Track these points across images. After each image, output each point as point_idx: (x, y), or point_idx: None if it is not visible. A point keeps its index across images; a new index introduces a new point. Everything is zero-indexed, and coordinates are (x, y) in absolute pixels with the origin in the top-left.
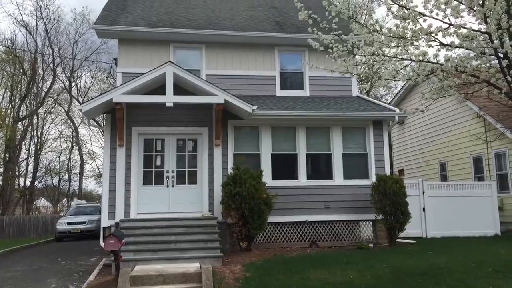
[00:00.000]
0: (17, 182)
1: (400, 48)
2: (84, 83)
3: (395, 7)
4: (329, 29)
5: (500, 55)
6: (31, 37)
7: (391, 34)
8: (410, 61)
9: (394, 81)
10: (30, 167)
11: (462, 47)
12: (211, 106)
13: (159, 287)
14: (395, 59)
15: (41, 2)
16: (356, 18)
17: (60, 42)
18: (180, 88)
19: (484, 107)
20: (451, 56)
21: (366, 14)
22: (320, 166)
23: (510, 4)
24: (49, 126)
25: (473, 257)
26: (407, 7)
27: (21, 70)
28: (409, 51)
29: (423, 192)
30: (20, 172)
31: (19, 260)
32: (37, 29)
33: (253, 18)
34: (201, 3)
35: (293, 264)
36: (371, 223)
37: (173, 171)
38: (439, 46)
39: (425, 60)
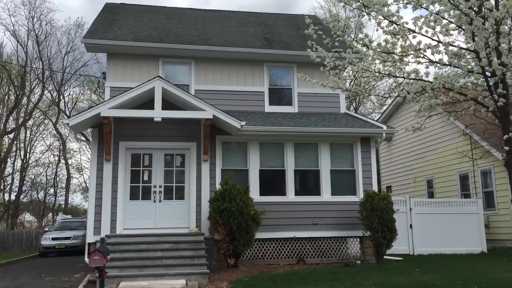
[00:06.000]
0: (1, 196)
1: (391, 65)
2: (73, 94)
3: (385, 22)
4: (331, 46)
5: (488, 73)
6: (21, 48)
7: (380, 49)
8: (403, 79)
9: (385, 97)
10: (16, 181)
11: (450, 65)
12: (200, 121)
13: None
14: (388, 75)
15: (33, 12)
16: (346, 32)
17: (51, 53)
18: (169, 103)
19: (470, 125)
20: (440, 73)
21: (356, 28)
22: (308, 182)
23: (499, 23)
24: (36, 139)
25: (460, 275)
26: (397, 23)
27: (9, 82)
28: (402, 69)
29: (410, 209)
30: (6, 186)
31: (1, 276)
32: (27, 40)
33: (243, 34)
34: (191, 19)
35: (280, 281)
36: (358, 239)
37: (160, 186)
38: (427, 63)
39: (417, 78)
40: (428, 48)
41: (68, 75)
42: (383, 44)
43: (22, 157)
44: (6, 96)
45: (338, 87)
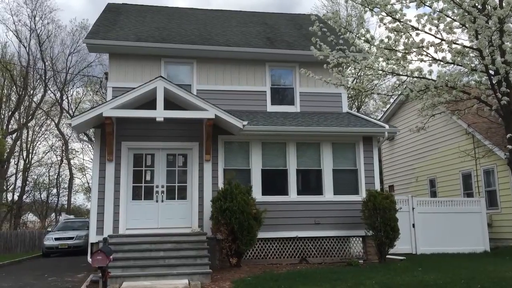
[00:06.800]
0: (4, 196)
1: (395, 63)
2: (76, 95)
3: (387, 19)
4: (335, 44)
5: (491, 72)
6: (23, 48)
7: (382, 46)
8: (407, 77)
9: (388, 95)
10: (19, 182)
11: (454, 63)
12: (202, 121)
13: None
14: (391, 73)
15: (35, 11)
16: (348, 29)
17: (54, 53)
18: (171, 103)
19: (473, 124)
20: (444, 71)
21: (357, 25)
22: (310, 182)
23: (502, 21)
24: (38, 139)
25: (462, 274)
26: (400, 20)
27: (11, 82)
28: (405, 67)
29: (413, 208)
30: (8, 187)
31: (5, 276)
32: (30, 40)
33: (245, 34)
34: (193, 19)
35: (282, 280)
36: (361, 239)
37: (162, 186)
38: (430, 61)
39: (420, 76)
40: (431, 46)
41: (70, 75)
42: (386, 40)
43: (25, 158)
44: (9, 97)
45: (341, 84)
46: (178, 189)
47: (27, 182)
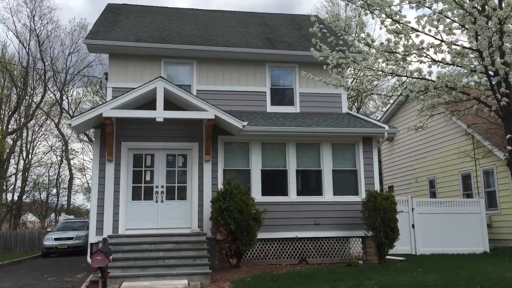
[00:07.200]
0: (4, 196)
1: (394, 64)
2: (76, 95)
3: (388, 21)
4: (335, 44)
5: (490, 72)
6: (23, 48)
7: (382, 48)
8: (406, 78)
9: (388, 96)
10: (19, 182)
11: (453, 64)
12: (202, 122)
13: None
14: (391, 74)
15: (34, 11)
16: (348, 32)
17: (54, 53)
18: (171, 103)
19: (472, 124)
20: (443, 72)
21: (357, 27)
22: (310, 182)
23: (502, 23)
24: (38, 139)
25: (462, 275)
26: (400, 22)
27: (11, 82)
28: (405, 68)
29: (413, 209)
30: (8, 187)
31: (4, 276)
32: (30, 40)
33: (244, 34)
34: (193, 19)
35: (282, 281)
36: (360, 239)
37: (162, 187)
38: (430, 62)
39: (420, 77)
40: (431, 47)
41: (70, 75)
42: (386, 43)
43: (25, 158)
44: (9, 97)
45: (341, 85)
46: (178, 189)
47: (27, 182)
